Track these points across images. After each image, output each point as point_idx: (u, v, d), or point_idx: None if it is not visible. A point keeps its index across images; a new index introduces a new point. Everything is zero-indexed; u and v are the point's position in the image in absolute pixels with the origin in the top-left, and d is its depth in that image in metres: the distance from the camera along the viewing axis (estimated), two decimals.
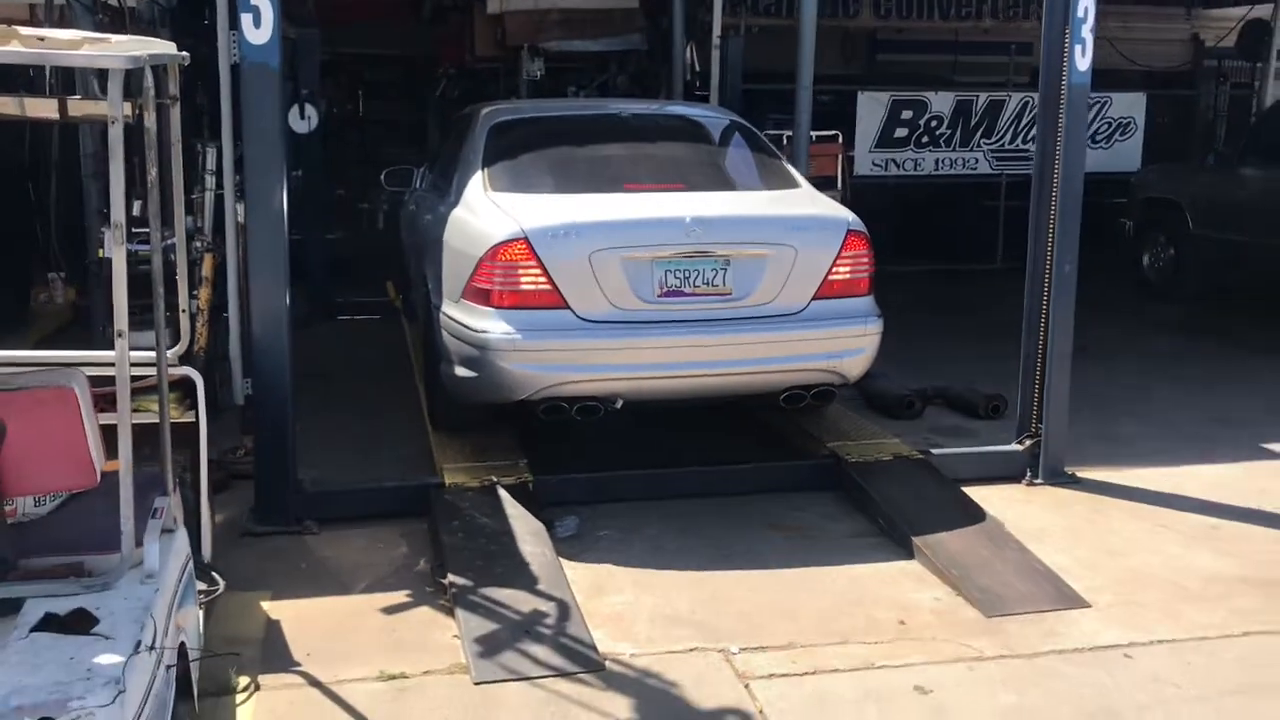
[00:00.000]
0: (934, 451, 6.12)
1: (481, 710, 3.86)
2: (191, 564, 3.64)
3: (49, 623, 2.84)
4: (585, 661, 4.13)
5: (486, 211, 5.79)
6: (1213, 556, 5.17)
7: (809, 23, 7.85)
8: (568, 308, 5.49)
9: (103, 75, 3.01)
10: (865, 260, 5.86)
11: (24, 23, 6.28)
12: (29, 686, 2.59)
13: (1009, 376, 6.21)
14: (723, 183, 6.50)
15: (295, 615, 4.49)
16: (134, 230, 4.96)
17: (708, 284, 5.61)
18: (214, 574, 4.10)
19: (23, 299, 8.70)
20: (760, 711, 3.88)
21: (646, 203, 5.91)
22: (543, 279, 5.47)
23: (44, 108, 4.04)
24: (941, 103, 12.27)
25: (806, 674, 4.12)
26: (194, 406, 4.16)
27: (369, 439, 6.54)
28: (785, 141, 8.12)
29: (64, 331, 8.19)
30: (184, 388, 4.14)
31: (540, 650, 4.18)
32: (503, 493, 5.39)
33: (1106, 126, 12.58)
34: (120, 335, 3.00)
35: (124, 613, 2.90)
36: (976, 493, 5.68)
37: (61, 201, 8.47)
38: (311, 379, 6.81)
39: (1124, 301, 10.64)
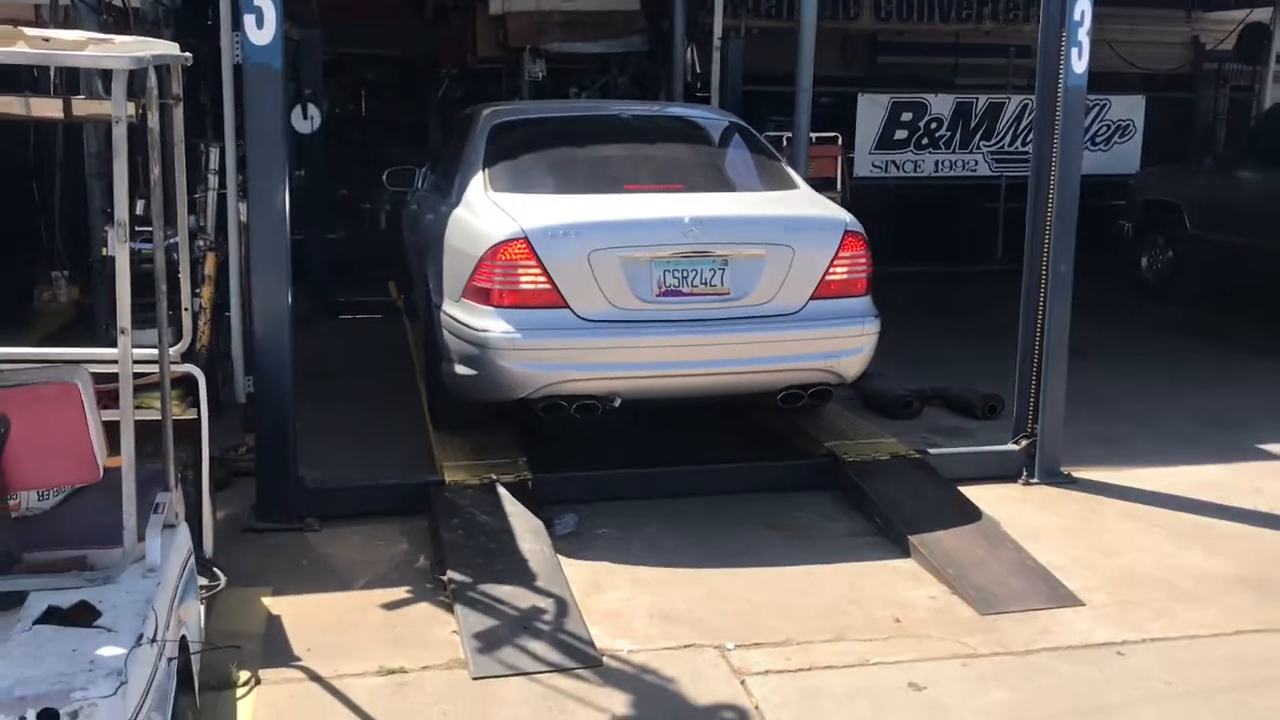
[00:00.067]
0: (931, 451, 6.16)
1: (480, 705, 3.89)
2: (193, 559, 3.68)
3: (52, 615, 2.87)
4: (583, 657, 4.17)
5: (487, 211, 5.83)
6: (1206, 556, 5.20)
7: (809, 25, 7.89)
8: (567, 307, 5.52)
9: (107, 75, 3.06)
10: (863, 261, 5.90)
11: (29, 23, 6.33)
12: (32, 678, 2.63)
13: (1008, 377, 6.24)
14: (721, 184, 6.54)
15: (296, 611, 4.53)
16: (137, 229, 5.00)
17: (706, 284, 5.65)
18: (215, 569, 4.13)
19: (26, 297, 8.74)
20: (755, 707, 3.92)
21: (645, 203, 5.94)
22: (542, 278, 5.50)
23: (49, 107, 4.08)
24: (941, 105, 12.31)
25: (802, 670, 4.16)
26: (196, 404, 4.19)
27: (370, 437, 6.57)
28: (785, 143, 8.15)
29: (67, 330, 8.22)
30: (186, 385, 4.18)
31: (538, 646, 4.21)
32: (502, 491, 5.43)
33: (1105, 129, 12.61)
34: (123, 332, 3.04)
35: (126, 606, 2.94)
36: (973, 492, 5.71)
37: (65, 201, 8.51)
38: (313, 377, 6.85)
39: (1122, 303, 10.66)
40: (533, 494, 5.46)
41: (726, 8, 10.07)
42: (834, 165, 9.07)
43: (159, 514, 3.29)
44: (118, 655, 2.72)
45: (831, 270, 5.80)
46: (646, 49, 11.06)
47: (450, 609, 4.53)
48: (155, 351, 3.54)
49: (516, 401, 5.71)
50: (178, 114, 3.79)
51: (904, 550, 5.16)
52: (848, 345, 5.85)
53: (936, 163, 12.39)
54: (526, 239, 5.51)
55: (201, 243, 6.38)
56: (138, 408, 3.17)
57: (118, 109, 2.97)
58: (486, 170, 6.15)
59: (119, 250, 3.02)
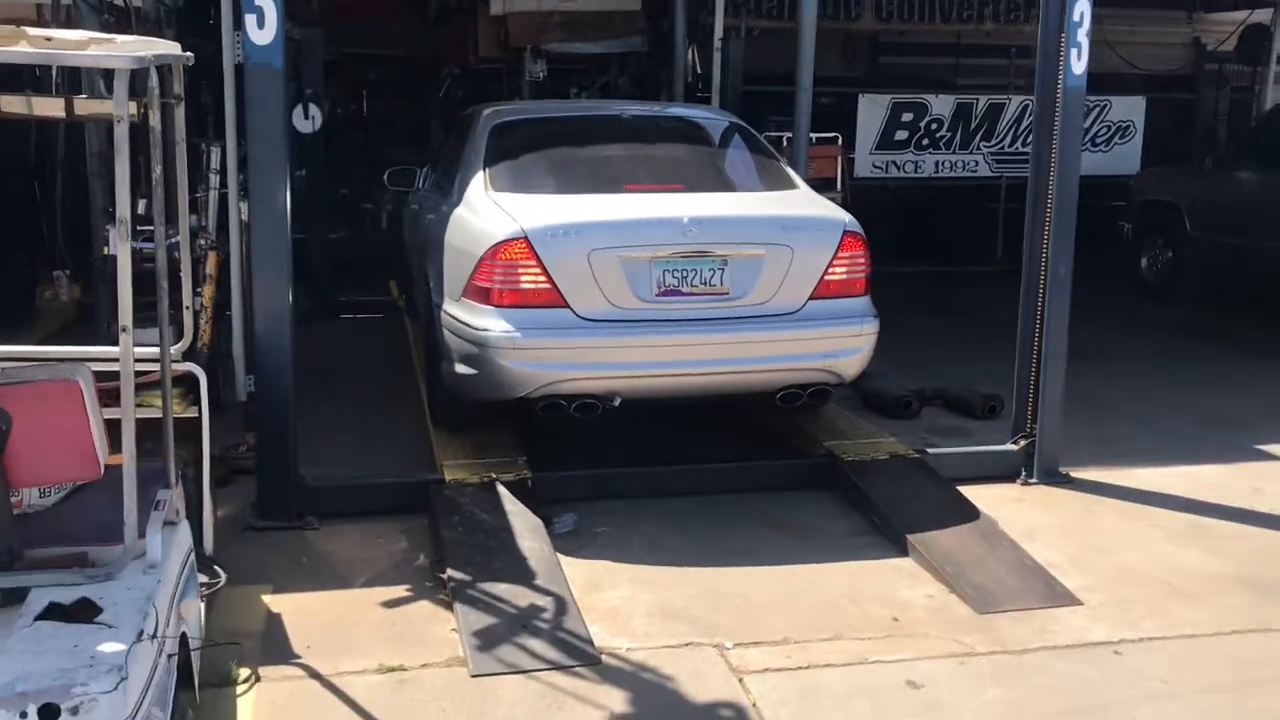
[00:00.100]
0: (930, 451, 6.17)
1: (479, 702, 3.91)
2: (193, 556, 3.70)
3: (53, 611, 2.89)
4: (582, 655, 4.19)
5: (487, 211, 5.85)
6: (1203, 555, 5.21)
7: (809, 25, 7.90)
8: (567, 306, 5.54)
9: (108, 75, 3.07)
10: (861, 261, 5.91)
11: (31, 23, 6.36)
12: (33, 673, 2.64)
13: (1008, 378, 6.25)
14: (721, 184, 6.56)
15: (296, 608, 4.54)
16: (139, 228, 5.02)
17: (705, 283, 5.66)
18: (216, 567, 4.15)
19: (28, 297, 8.76)
20: (753, 705, 3.93)
21: (645, 203, 5.96)
22: (542, 278, 5.52)
23: (51, 106, 4.10)
24: (942, 105, 12.32)
25: (800, 668, 4.17)
26: (197, 402, 4.21)
27: (370, 436, 6.59)
28: (785, 143, 8.17)
29: (69, 329, 8.25)
30: (187, 383, 4.19)
31: (537, 644, 4.23)
32: (502, 489, 5.45)
33: (1106, 130, 12.63)
34: (125, 330, 3.05)
35: (126, 602, 2.95)
36: (972, 492, 5.72)
37: (67, 200, 8.53)
38: (314, 377, 6.88)
39: (1122, 304, 10.68)
40: (532, 492, 5.48)
41: (727, 8, 10.09)
42: (834, 165, 9.09)
43: (159, 511, 3.30)
44: (118, 651, 2.74)
45: (830, 270, 5.81)
46: (647, 49, 11.09)
47: (450, 607, 4.54)
48: (156, 350, 3.56)
49: (516, 400, 5.72)
50: (179, 113, 3.81)
51: (902, 549, 5.17)
52: (846, 345, 5.87)
53: (937, 163, 12.41)
54: (526, 239, 5.53)
55: (203, 242, 6.40)
56: (139, 406, 3.19)
57: (119, 108, 2.98)
58: (487, 170, 6.16)
59: (121, 248, 3.04)
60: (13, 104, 3.99)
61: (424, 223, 7.07)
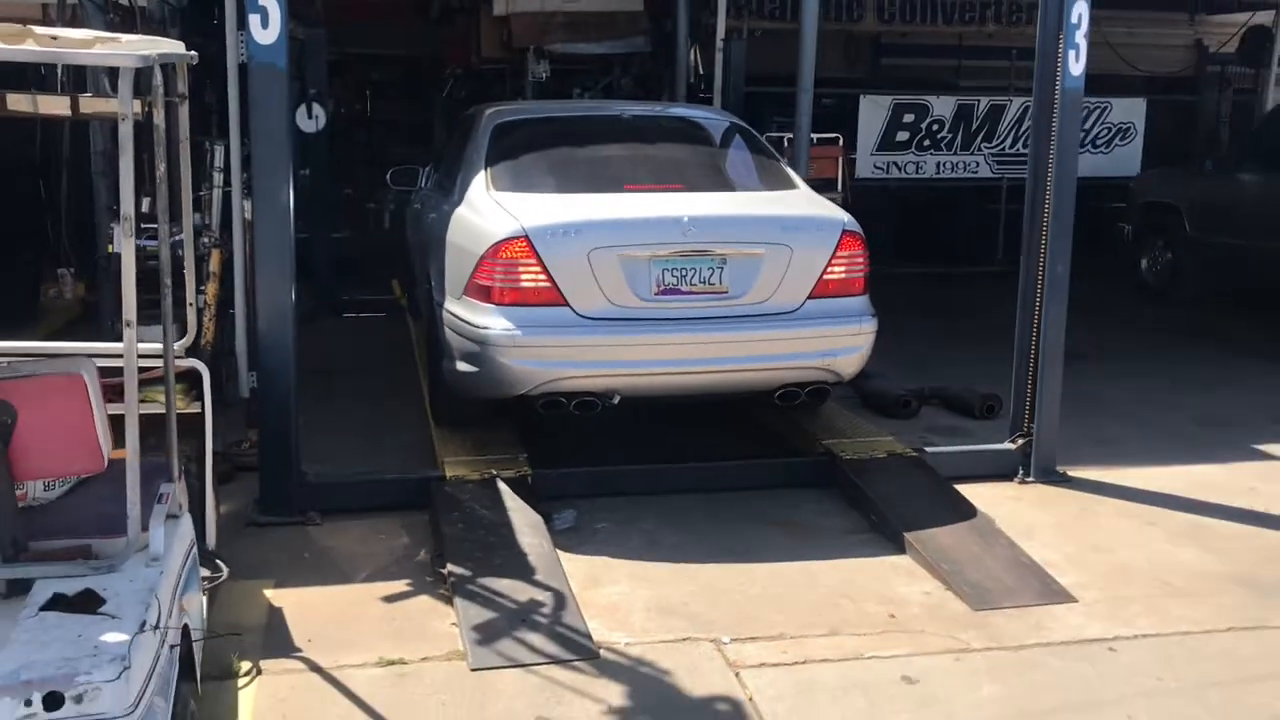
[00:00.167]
0: (928, 450, 6.20)
1: (478, 695, 3.94)
2: (196, 549, 3.72)
3: (57, 602, 2.92)
4: (580, 650, 4.22)
5: (488, 210, 5.88)
6: (1200, 554, 5.24)
7: (810, 26, 7.93)
8: (567, 305, 5.58)
9: (113, 73, 3.10)
10: (860, 260, 5.94)
11: (37, 22, 6.37)
12: (38, 662, 2.68)
13: (1007, 378, 6.28)
14: (721, 183, 6.59)
15: (297, 603, 4.58)
16: (143, 226, 5.05)
17: (704, 282, 5.70)
18: (218, 561, 4.17)
19: (33, 294, 8.79)
20: (750, 699, 3.97)
21: (644, 202, 5.99)
22: (542, 277, 5.56)
23: (56, 105, 4.13)
24: (943, 106, 12.35)
25: (796, 664, 4.21)
26: (200, 398, 4.24)
27: (372, 433, 6.63)
28: (786, 144, 8.20)
29: (73, 326, 8.26)
30: (190, 379, 4.22)
31: (536, 639, 4.27)
32: (502, 486, 5.48)
33: (1106, 131, 12.64)
34: (129, 325, 3.08)
35: (129, 594, 2.98)
36: (969, 490, 5.75)
37: (72, 198, 8.56)
38: (316, 374, 6.92)
39: (1122, 305, 10.71)
40: (532, 489, 5.52)
41: (729, 9, 10.12)
42: (835, 166, 9.11)
43: (162, 504, 3.33)
44: (121, 641, 2.77)
45: (829, 269, 5.84)
46: (650, 50, 11.13)
47: (450, 602, 4.58)
48: (160, 346, 3.59)
49: (517, 398, 5.76)
50: (183, 112, 3.83)
51: (899, 547, 5.20)
52: (845, 344, 5.90)
53: (938, 164, 12.44)
54: (527, 237, 5.56)
55: (206, 240, 6.42)
56: (142, 401, 3.22)
57: (124, 107, 3.01)
58: (489, 169, 6.20)
59: (125, 245, 3.06)
60: (19, 102, 4.02)
61: (426, 222, 7.11)
